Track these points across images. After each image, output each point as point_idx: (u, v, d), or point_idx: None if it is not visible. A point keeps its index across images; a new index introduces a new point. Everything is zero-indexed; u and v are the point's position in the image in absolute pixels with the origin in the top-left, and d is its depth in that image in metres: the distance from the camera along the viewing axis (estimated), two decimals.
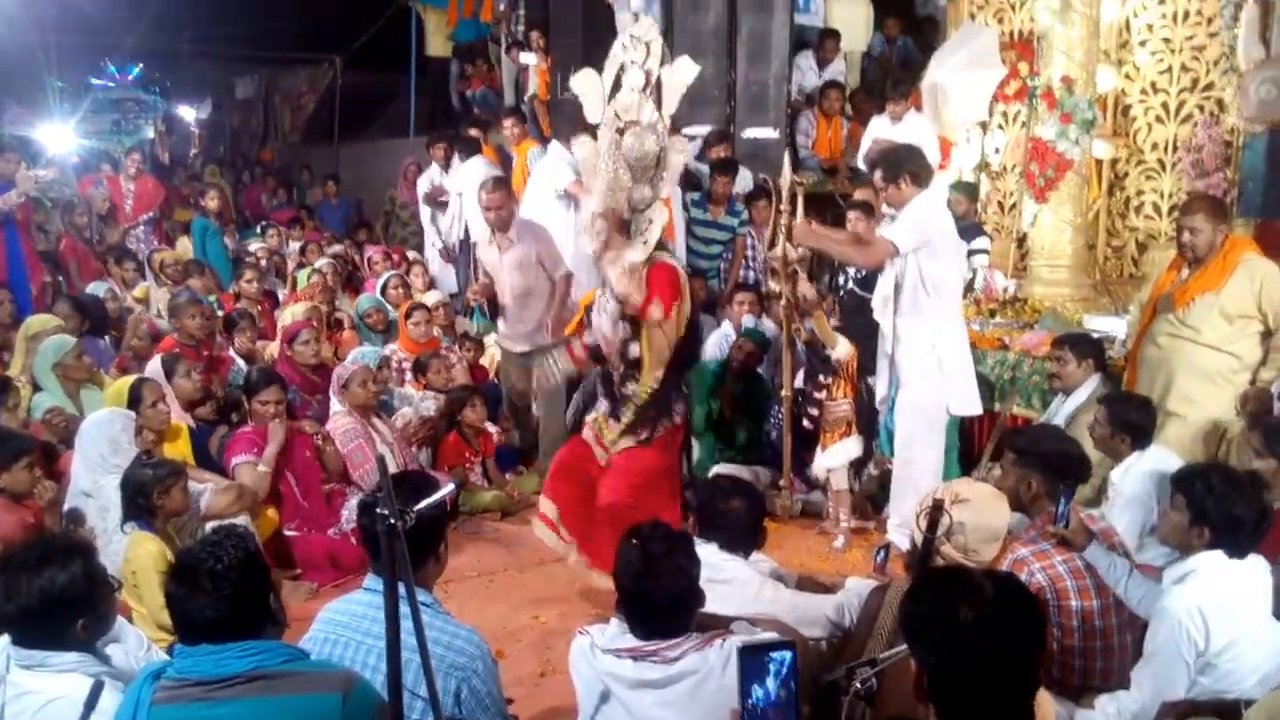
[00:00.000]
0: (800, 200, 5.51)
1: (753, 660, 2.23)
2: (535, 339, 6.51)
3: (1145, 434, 4.44)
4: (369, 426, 5.85)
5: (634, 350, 4.81)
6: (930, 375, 5.31)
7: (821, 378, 5.61)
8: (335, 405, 5.94)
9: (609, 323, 4.78)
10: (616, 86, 4.81)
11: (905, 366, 5.35)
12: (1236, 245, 4.96)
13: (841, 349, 5.53)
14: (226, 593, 2.38)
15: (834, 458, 5.65)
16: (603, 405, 5.03)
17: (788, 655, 2.23)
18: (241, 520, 4.73)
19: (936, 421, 5.40)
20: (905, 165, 5.27)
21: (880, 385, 5.63)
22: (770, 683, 2.23)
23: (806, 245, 5.48)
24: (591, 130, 4.88)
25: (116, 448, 4.65)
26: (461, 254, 9.35)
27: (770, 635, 2.99)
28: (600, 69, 4.85)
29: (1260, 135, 6.24)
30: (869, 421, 5.80)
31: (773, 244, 5.49)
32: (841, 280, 7.15)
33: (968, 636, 1.90)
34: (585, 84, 4.87)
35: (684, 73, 4.77)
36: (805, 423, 5.73)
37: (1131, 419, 4.43)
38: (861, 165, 8.07)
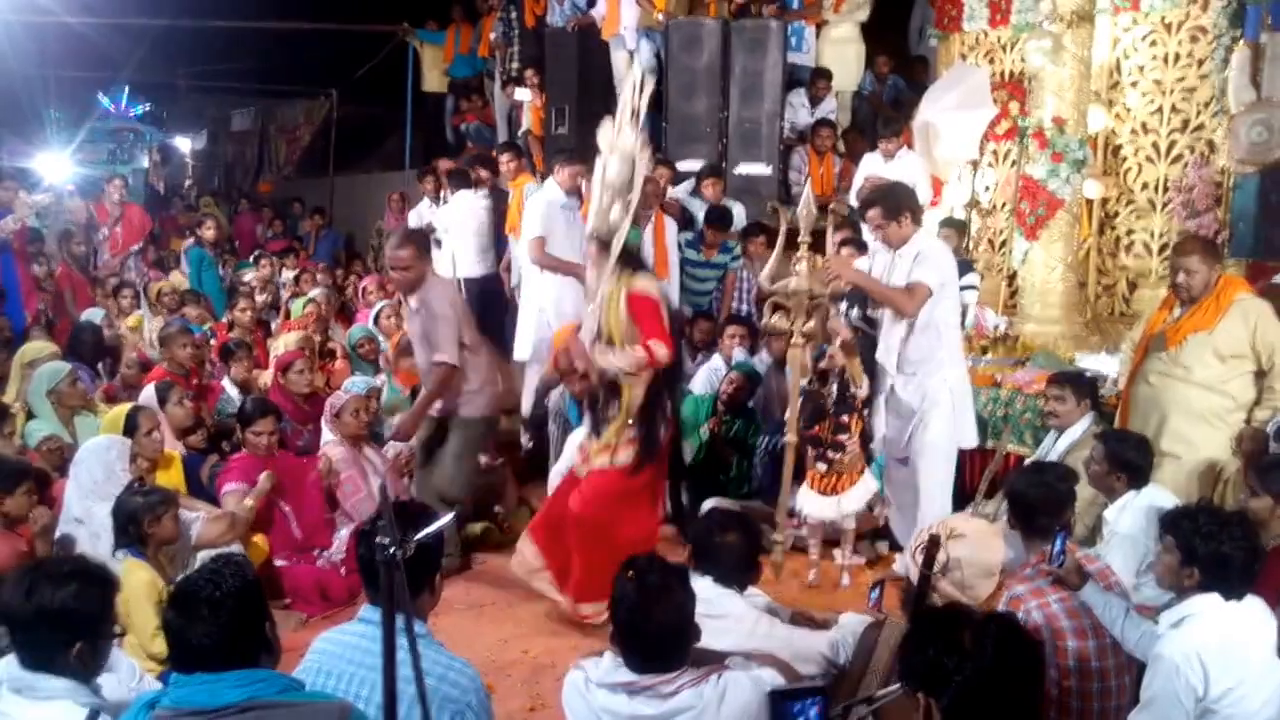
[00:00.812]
0: (831, 232, 5.44)
1: (784, 706, 2.20)
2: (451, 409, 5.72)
3: (1142, 473, 4.43)
4: (361, 456, 5.84)
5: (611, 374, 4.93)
6: (946, 414, 5.37)
7: (845, 418, 5.40)
8: (327, 434, 5.93)
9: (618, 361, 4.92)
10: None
11: (923, 407, 5.38)
12: (1230, 285, 4.98)
13: (865, 388, 5.42)
14: (224, 621, 2.38)
15: (856, 500, 5.50)
16: (586, 423, 5.25)
17: (818, 700, 2.21)
18: (234, 549, 4.71)
19: (951, 458, 5.49)
20: (905, 203, 5.32)
21: (883, 425, 5.62)
22: None
23: (848, 280, 5.32)
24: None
25: (111, 474, 4.65)
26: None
27: (766, 671, 2.97)
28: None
29: (1251, 176, 6.31)
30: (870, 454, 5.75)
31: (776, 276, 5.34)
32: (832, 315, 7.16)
33: (966, 680, 1.89)
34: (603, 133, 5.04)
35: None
36: (821, 465, 5.51)
37: (1129, 458, 4.42)
38: (854, 202, 8.13)
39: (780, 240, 5.36)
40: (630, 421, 4.94)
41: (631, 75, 5.02)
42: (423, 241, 5.73)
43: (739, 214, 8.51)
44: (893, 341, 5.39)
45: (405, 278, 5.53)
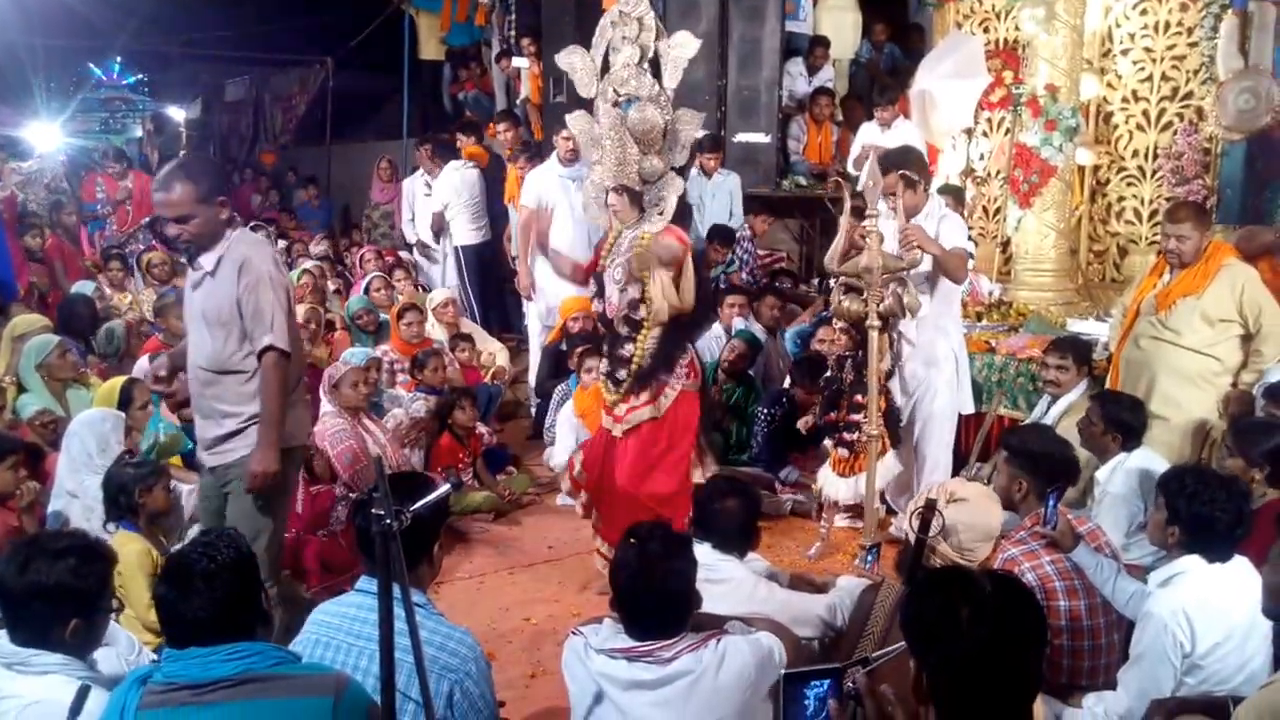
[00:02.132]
0: (901, 201, 5.11)
1: (794, 689, 2.19)
2: (229, 447, 4.01)
3: (1135, 434, 4.50)
4: (360, 427, 5.86)
5: (641, 312, 4.83)
6: (951, 381, 5.51)
7: (860, 398, 5.21)
8: (325, 406, 5.94)
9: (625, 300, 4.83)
10: (606, 63, 4.90)
11: (931, 375, 5.47)
12: (1218, 250, 5.02)
13: (887, 361, 5.21)
14: (218, 594, 2.37)
15: (878, 479, 5.21)
16: (602, 367, 5.12)
17: (828, 682, 2.20)
18: None
19: (953, 423, 5.63)
20: (923, 171, 5.34)
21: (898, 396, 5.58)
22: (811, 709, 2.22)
23: (926, 249, 5.04)
24: (586, 105, 4.97)
25: (105, 447, 4.62)
26: (456, 259, 9.33)
27: (764, 635, 3.01)
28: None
29: (1238, 143, 6.36)
30: (895, 430, 5.57)
31: (846, 256, 5.02)
32: (832, 282, 7.17)
33: (969, 636, 1.89)
34: (574, 60, 4.91)
35: (685, 47, 4.85)
36: (843, 450, 5.39)
37: (1124, 418, 4.50)
38: (852, 170, 8.15)
39: (845, 217, 5.05)
40: (643, 364, 4.83)
41: (609, 16, 4.87)
42: (210, 179, 3.92)
43: (736, 185, 8.51)
44: (924, 313, 5.33)
45: (185, 231, 3.84)
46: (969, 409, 5.77)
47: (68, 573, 2.64)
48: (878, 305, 4.85)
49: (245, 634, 2.39)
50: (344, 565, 5.22)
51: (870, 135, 8.05)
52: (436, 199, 9.19)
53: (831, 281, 5.87)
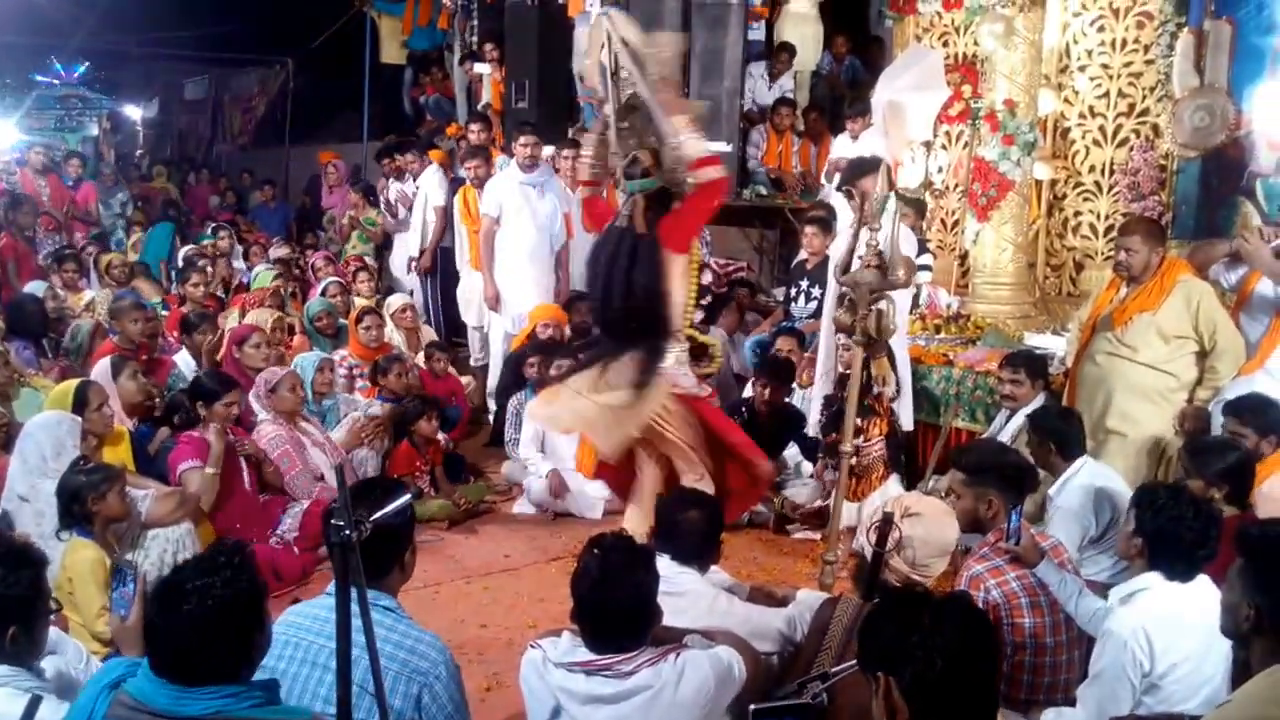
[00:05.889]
0: (896, 215, 4.96)
1: None
2: None
3: (1070, 441, 4.55)
4: (295, 430, 5.81)
5: None
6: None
7: (861, 422, 5.11)
8: (260, 414, 5.88)
9: None
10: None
11: None
12: (1174, 266, 5.07)
13: (892, 386, 5.13)
14: (197, 642, 2.23)
15: (876, 500, 5.11)
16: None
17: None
18: (184, 527, 4.67)
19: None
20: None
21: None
22: None
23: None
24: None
25: (60, 450, 4.52)
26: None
27: (724, 649, 3.00)
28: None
29: (1193, 160, 6.43)
30: (897, 455, 5.55)
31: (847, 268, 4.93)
32: (794, 292, 7.21)
33: (928, 658, 1.92)
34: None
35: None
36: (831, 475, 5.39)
37: (1054, 426, 4.57)
38: (824, 182, 8.21)
39: (856, 225, 4.91)
40: None
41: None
42: None
43: None
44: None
45: None
46: (907, 425, 5.83)
47: None
48: (862, 320, 4.75)
49: (226, 676, 2.27)
50: (295, 574, 5.16)
51: (842, 147, 8.10)
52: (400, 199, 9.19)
53: (793, 290, 5.85)
